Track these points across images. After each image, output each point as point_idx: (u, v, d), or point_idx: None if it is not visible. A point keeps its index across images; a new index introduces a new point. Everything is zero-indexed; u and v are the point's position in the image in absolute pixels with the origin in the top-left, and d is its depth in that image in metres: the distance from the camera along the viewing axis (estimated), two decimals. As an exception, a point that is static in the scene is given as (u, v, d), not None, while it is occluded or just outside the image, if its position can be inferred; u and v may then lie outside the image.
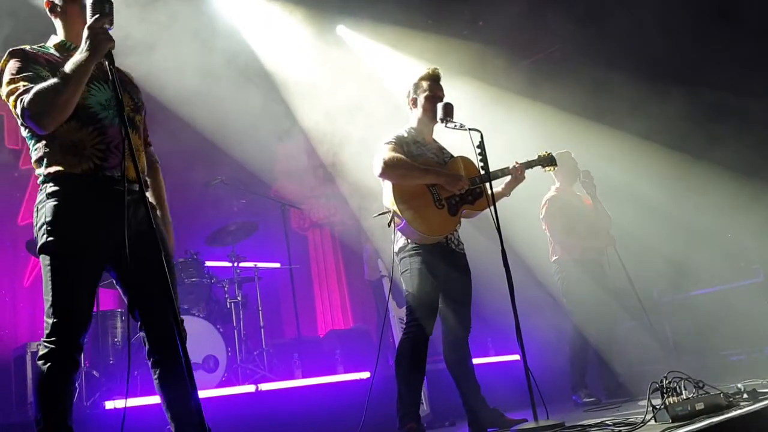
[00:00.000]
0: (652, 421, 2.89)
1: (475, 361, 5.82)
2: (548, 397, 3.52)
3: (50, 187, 2.47)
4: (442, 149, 4.04)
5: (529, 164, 4.12)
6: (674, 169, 6.28)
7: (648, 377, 3.27)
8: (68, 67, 2.34)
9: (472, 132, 3.56)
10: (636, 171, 6.30)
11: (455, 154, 4.02)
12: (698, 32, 6.13)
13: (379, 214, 3.87)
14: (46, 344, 2.39)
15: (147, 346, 2.61)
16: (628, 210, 6.03)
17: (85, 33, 2.33)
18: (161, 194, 2.92)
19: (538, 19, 7.07)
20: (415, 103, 3.99)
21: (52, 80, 2.34)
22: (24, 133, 2.57)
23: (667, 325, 6.22)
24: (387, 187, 3.82)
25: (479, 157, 3.56)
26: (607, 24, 6.45)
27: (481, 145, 3.54)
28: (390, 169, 3.71)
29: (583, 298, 5.18)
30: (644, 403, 3.04)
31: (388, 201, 3.79)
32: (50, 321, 2.40)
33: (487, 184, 3.64)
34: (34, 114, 2.34)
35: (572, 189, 5.55)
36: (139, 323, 2.62)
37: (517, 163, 4.04)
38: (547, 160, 4.25)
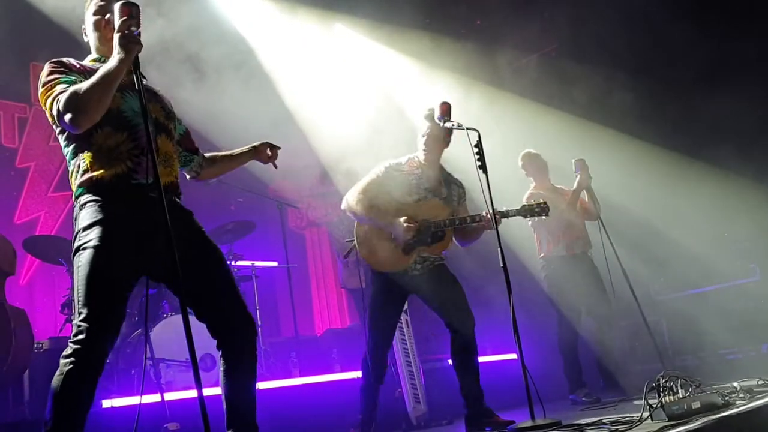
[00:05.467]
0: (649, 420, 2.90)
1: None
2: (545, 395, 3.53)
3: (83, 198, 2.53)
4: (442, 180, 4.09)
5: (511, 213, 3.95)
6: (670, 169, 6.29)
7: (644, 376, 3.28)
8: (101, 69, 2.43)
9: (469, 131, 3.57)
10: (632, 170, 6.30)
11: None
12: (698, 33, 6.13)
13: (347, 241, 4.17)
14: (71, 344, 2.40)
15: (218, 344, 2.70)
16: (623, 209, 6.04)
17: (116, 38, 2.42)
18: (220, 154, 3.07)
19: (535, 17, 7.07)
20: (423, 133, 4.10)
21: (87, 81, 2.43)
22: (62, 143, 2.64)
23: (663, 324, 6.23)
24: None
25: (476, 157, 3.57)
26: (604, 23, 6.45)
27: (479, 145, 3.55)
28: (351, 212, 3.99)
29: (571, 294, 5.20)
30: (640, 401, 3.05)
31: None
32: (77, 321, 2.41)
33: (485, 182, 3.64)
34: (68, 113, 2.41)
35: (550, 184, 5.56)
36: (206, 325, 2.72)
37: (487, 213, 3.78)
38: (537, 210, 4.00)
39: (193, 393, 4.39)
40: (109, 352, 2.47)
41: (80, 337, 2.37)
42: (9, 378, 4.51)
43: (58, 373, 2.38)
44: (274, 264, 6.91)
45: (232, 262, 5.98)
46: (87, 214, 2.50)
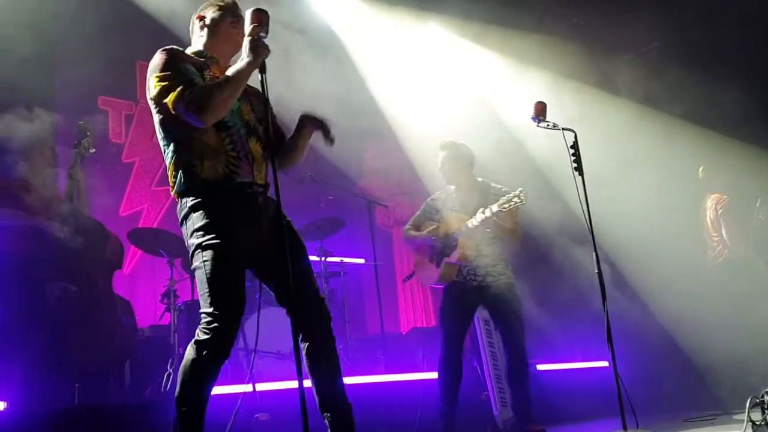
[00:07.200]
0: (752, 437, 2.76)
1: (560, 366, 5.72)
2: (638, 405, 3.42)
3: (192, 198, 2.63)
4: (475, 197, 4.30)
5: (495, 211, 4.08)
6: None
7: (747, 390, 3.12)
8: (230, 71, 2.58)
9: (565, 132, 3.50)
10: (739, 177, 6.02)
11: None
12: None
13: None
14: (204, 331, 2.54)
15: (301, 336, 2.78)
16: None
17: (246, 41, 2.54)
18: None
19: (634, 15, 6.85)
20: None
21: (217, 81, 2.59)
22: (161, 140, 2.73)
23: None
24: None
25: (572, 158, 3.49)
26: (706, 21, 6.20)
27: (575, 146, 3.48)
28: (405, 239, 4.73)
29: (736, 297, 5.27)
30: (741, 416, 2.91)
31: None
32: (209, 311, 2.54)
33: (580, 184, 3.56)
34: (196, 109, 2.51)
35: None
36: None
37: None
38: (516, 201, 4.05)
39: (282, 384, 4.50)
40: (236, 337, 2.62)
41: (215, 325, 2.52)
42: (112, 363, 4.73)
43: (191, 356, 2.54)
44: (362, 261, 6.98)
45: (322, 258, 6.07)
46: (200, 214, 2.60)
